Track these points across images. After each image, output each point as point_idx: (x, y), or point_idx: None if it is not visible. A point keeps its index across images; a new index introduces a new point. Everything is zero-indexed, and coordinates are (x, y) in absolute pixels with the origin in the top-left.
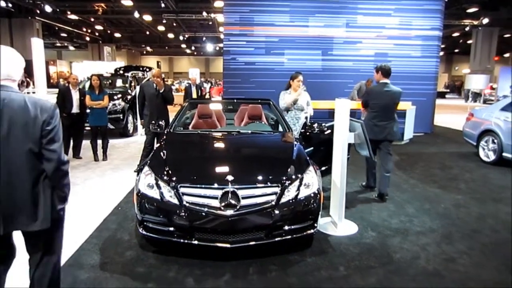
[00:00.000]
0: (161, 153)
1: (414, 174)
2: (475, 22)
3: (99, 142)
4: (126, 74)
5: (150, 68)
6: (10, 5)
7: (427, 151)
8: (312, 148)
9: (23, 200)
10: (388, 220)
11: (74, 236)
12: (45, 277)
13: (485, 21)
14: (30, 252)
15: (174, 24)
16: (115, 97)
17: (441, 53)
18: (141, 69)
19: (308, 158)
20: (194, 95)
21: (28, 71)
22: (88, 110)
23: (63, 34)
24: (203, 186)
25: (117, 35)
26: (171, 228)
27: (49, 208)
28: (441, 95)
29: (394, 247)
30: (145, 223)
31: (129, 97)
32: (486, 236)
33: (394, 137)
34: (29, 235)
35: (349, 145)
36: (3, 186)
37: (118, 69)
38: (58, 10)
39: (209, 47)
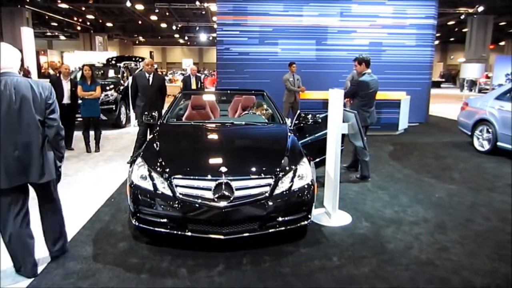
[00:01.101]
0: (154, 145)
1: (408, 164)
2: (470, 10)
3: (92, 133)
4: (118, 64)
5: (143, 58)
6: None
7: (422, 141)
8: (306, 139)
9: (35, 158)
10: (382, 211)
11: (66, 228)
12: (55, 223)
13: (480, 9)
14: (42, 204)
15: (167, 14)
16: (108, 88)
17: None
18: (133, 59)
19: (302, 149)
20: (194, 87)
21: None
22: (80, 101)
23: (54, 24)
24: (196, 177)
25: (109, 24)
26: (164, 220)
27: (53, 165)
28: (436, 84)
29: (387, 237)
30: (138, 215)
31: (121, 87)
32: (479, 224)
33: (375, 120)
34: (40, 187)
35: (343, 136)
36: (22, 148)
37: (110, 59)
38: None
39: (203, 37)
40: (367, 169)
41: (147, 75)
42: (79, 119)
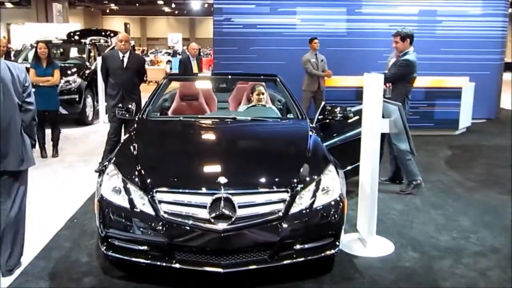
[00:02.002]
0: (131, 147)
1: (471, 175)
2: None
3: (48, 132)
4: (83, 40)
5: (116, 33)
6: None
7: (490, 143)
8: (333, 140)
9: (15, 144)
10: (435, 237)
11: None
12: (19, 214)
13: None
14: (8, 193)
15: None
16: (69, 72)
17: (510, 10)
18: (103, 33)
19: (327, 153)
20: (196, 70)
21: None
22: (32, 89)
23: None
24: (186, 191)
25: None
26: (144, 247)
27: (30, 152)
28: (510, 67)
29: (442, 273)
30: (109, 240)
31: (87, 71)
32: None
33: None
34: (12, 175)
35: (383, 136)
36: (3, 133)
37: (72, 34)
38: None
39: (195, 4)
40: (415, 168)
41: (120, 55)
42: None
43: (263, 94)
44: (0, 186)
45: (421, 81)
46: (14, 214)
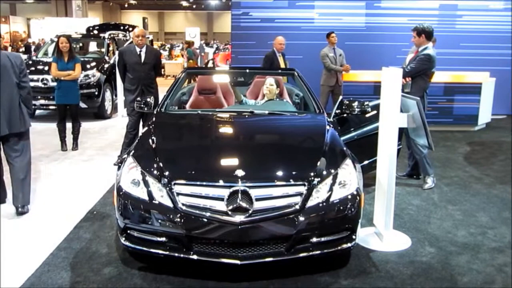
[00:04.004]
0: (150, 140)
1: (490, 171)
2: None
3: (68, 125)
4: (102, 35)
5: (134, 27)
6: None
7: (510, 140)
8: (350, 135)
9: (16, 112)
10: (452, 232)
11: (36, 249)
12: (27, 164)
13: None
14: (16, 149)
15: None
16: (88, 66)
17: None
18: (121, 28)
19: (345, 148)
20: (282, 65)
21: None
22: (53, 83)
23: None
24: (204, 183)
25: None
26: (163, 239)
27: (28, 118)
28: None
29: (460, 268)
30: (128, 232)
31: (106, 65)
32: None
33: None
34: (17, 136)
35: (400, 130)
36: (7, 105)
37: (91, 28)
38: None
39: None
40: (428, 164)
41: (137, 49)
42: (51, 107)
43: (271, 85)
44: (10, 145)
45: (441, 76)
46: (23, 164)
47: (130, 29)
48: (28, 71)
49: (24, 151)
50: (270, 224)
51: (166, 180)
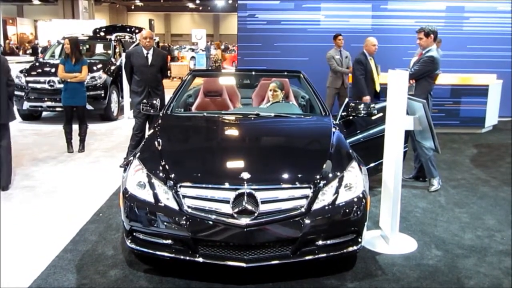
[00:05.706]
0: (155, 142)
1: (497, 173)
2: None
3: (75, 127)
4: (108, 37)
5: (141, 29)
6: None
7: None
8: (356, 137)
9: (6, 105)
10: (459, 235)
11: (42, 251)
12: (8, 145)
13: None
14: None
15: None
16: (94, 68)
17: None
18: (128, 30)
19: (351, 150)
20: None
21: None
22: (60, 85)
23: None
24: (210, 186)
25: None
26: (168, 241)
27: (13, 111)
28: None
29: (466, 271)
30: (134, 234)
31: (112, 67)
32: None
33: None
34: (4, 128)
35: (407, 133)
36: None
37: (98, 30)
38: None
39: (219, 0)
40: (433, 166)
41: (144, 51)
42: (58, 109)
43: (276, 91)
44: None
45: (448, 78)
46: (5, 144)
47: (137, 31)
48: (34, 72)
49: (5, 136)
50: (276, 227)
51: (172, 182)
